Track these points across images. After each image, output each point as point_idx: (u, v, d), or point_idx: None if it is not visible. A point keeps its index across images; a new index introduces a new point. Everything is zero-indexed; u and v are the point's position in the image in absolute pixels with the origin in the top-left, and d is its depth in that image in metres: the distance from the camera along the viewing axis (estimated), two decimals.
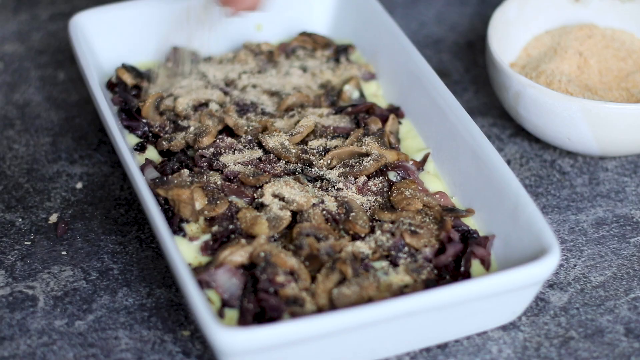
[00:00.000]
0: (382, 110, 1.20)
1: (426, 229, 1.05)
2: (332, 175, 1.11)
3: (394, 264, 1.02)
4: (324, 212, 1.06)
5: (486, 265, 1.04)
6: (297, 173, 1.11)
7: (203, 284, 0.99)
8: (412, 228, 1.04)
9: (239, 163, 1.12)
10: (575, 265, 1.11)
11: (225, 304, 0.99)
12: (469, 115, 1.12)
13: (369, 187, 1.10)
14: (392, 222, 1.06)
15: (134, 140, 1.17)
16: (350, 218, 1.06)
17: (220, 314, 0.98)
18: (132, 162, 1.05)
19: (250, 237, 1.04)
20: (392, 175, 1.12)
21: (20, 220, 1.15)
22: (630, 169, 1.23)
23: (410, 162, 1.14)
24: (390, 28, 1.26)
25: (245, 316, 0.98)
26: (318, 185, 1.09)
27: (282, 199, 1.07)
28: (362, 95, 1.25)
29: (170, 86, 1.20)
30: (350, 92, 1.25)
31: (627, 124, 1.16)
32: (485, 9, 1.51)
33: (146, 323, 1.04)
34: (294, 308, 0.97)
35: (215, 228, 1.05)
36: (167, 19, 1.31)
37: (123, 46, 1.29)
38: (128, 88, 1.24)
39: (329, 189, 1.09)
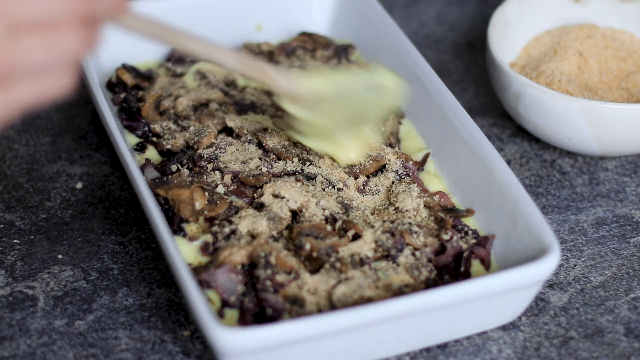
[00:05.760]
0: None
1: (426, 229, 1.05)
2: (332, 175, 1.11)
3: (394, 264, 1.02)
4: (324, 212, 1.06)
5: (486, 265, 1.04)
6: (297, 173, 1.11)
7: (203, 284, 0.99)
8: (412, 228, 1.04)
9: (239, 163, 1.11)
10: (575, 265, 1.11)
11: (225, 304, 0.99)
12: (469, 115, 1.12)
13: (369, 187, 1.10)
14: (392, 222, 1.06)
15: (134, 140, 1.17)
16: (350, 218, 1.06)
17: (220, 314, 0.98)
18: (132, 162, 1.05)
19: (250, 237, 1.04)
20: (392, 175, 1.12)
21: (20, 220, 1.15)
22: (630, 169, 1.23)
23: (410, 162, 1.14)
24: (390, 28, 1.26)
25: (245, 316, 0.98)
26: (318, 185, 1.09)
27: (282, 199, 1.07)
28: None
29: None
30: None
31: (627, 124, 1.16)
32: (485, 9, 1.51)
33: (146, 323, 1.04)
34: (294, 308, 0.97)
35: (215, 228, 1.05)
36: (167, 19, 1.31)
37: (123, 46, 1.29)
38: (128, 88, 1.24)
39: (329, 188, 1.09)
